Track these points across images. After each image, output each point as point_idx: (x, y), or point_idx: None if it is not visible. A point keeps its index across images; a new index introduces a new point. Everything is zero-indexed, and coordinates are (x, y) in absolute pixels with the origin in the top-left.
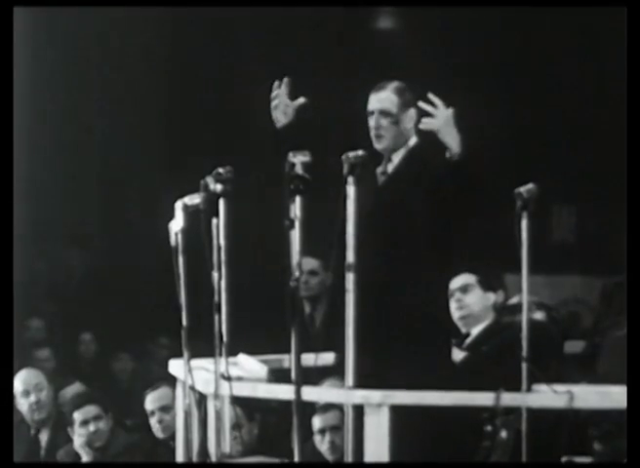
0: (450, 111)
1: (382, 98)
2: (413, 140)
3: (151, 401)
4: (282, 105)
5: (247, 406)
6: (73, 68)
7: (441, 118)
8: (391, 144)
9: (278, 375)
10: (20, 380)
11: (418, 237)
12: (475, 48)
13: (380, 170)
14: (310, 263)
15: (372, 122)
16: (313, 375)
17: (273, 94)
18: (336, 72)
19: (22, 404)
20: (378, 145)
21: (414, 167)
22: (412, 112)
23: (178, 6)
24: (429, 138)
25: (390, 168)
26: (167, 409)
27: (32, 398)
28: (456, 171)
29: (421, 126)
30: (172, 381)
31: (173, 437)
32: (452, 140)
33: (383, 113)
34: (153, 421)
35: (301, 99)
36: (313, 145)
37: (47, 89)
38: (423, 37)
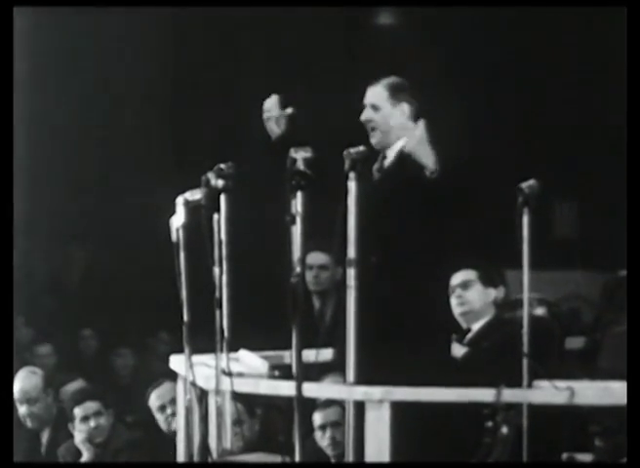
0: (420, 128)
1: (374, 93)
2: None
3: (159, 396)
4: (274, 117)
5: (248, 402)
6: (73, 68)
7: (413, 139)
8: (383, 139)
9: (281, 371)
10: (16, 388)
11: (415, 234)
12: (475, 48)
13: (375, 166)
14: (321, 258)
15: (363, 115)
16: (314, 371)
17: (264, 107)
18: (336, 71)
19: (18, 408)
20: (371, 139)
21: (406, 165)
22: (404, 108)
23: (178, 6)
24: None
25: (385, 164)
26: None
27: (25, 410)
28: (437, 186)
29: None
30: (173, 377)
31: None
32: (426, 159)
33: (374, 107)
34: (165, 416)
35: (290, 109)
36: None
37: (47, 89)
38: (424, 36)
